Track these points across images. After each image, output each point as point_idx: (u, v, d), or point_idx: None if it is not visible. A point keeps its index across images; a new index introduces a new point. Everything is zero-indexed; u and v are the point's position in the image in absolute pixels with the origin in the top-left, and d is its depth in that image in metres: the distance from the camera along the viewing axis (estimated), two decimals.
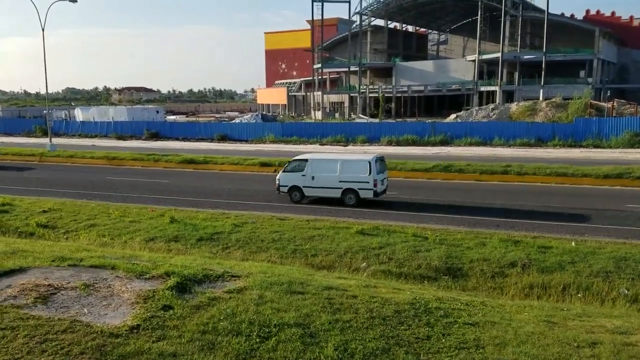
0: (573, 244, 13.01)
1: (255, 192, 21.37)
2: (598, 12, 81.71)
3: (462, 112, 55.43)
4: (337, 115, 79.02)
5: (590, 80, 70.05)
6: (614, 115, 44.65)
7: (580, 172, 20.92)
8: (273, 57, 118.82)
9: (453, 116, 54.73)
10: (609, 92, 51.66)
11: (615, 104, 47.55)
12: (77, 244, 11.82)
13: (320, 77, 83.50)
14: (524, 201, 18.08)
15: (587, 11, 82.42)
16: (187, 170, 27.64)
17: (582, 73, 75.92)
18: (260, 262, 12.01)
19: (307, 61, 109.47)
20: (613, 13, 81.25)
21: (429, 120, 52.77)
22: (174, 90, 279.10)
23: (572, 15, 79.05)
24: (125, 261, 8.48)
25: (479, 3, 69.84)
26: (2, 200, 18.42)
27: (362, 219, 16.31)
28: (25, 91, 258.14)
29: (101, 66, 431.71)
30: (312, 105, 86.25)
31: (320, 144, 46.15)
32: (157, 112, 69.15)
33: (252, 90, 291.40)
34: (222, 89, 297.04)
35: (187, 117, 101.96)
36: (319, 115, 79.11)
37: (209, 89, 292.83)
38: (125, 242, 14.35)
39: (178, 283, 6.95)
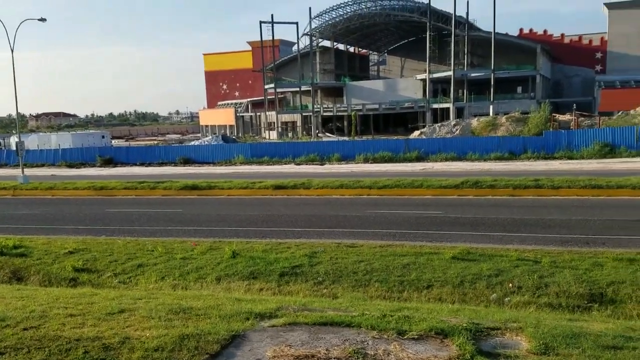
0: None
1: (291, 218, 19.63)
2: (531, 30, 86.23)
3: (426, 128, 56.14)
4: (290, 134, 77.87)
5: (533, 95, 73.61)
6: (576, 127, 46.63)
7: (614, 183, 20.99)
8: (213, 78, 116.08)
9: (417, 132, 55.29)
10: (575, 105, 54.10)
11: (575, 116, 49.76)
12: (201, 292, 9.87)
13: (272, 97, 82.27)
14: (583, 215, 17.64)
15: (521, 30, 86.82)
16: (192, 197, 25.16)
17: (519, 89, 79.80)
18: (391, 301, 10.65)
19: (250, 81, 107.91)
20: (545, 31, 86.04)
21: (396, 137, 53.03)
22: (92, 114, 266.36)
23: (506, 34, 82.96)
24: (335, 312, 6.89)
25: (428, 24, 71.70)
26: (12, 242, 15.69)
27: (436, 242, 15.16)
28: None
29: (8, 92, 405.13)
30: (263, 125, 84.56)
31: (295, 164, 44.74)
32: (103, 136, 65.49)
33: (177, 112, 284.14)
34: (145, 112, 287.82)
35: (126, 140, 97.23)
36: (272, 135, 77.57)
37: (130, 112, 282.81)
38: (200, 284, 12.49)
39: (471, 347, 5.54)
